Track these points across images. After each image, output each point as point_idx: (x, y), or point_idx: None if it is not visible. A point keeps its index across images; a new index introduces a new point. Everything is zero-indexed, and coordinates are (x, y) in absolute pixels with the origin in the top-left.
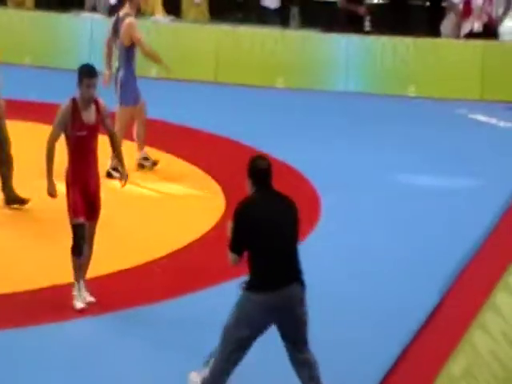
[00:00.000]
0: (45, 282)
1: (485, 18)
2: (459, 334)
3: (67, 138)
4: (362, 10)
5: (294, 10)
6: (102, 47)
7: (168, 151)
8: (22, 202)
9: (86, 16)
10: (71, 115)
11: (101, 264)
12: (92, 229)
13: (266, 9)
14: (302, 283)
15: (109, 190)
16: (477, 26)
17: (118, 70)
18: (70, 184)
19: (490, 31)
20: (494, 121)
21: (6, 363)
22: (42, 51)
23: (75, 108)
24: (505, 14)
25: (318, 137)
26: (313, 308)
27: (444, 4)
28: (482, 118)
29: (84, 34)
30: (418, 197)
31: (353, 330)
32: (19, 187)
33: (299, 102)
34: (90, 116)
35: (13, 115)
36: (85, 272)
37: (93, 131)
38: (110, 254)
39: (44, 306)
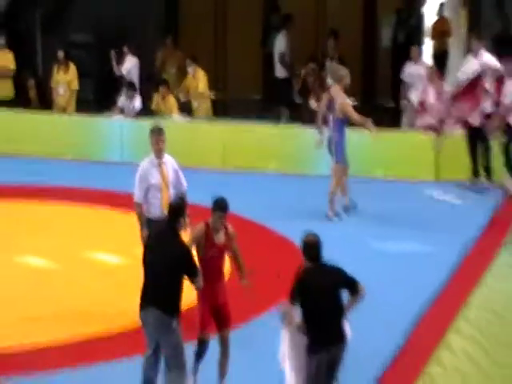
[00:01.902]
0: None
1: (437, 115)
2: (419, 369)
3: (199, 258)
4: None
5: (284, 110)
6: (131, 145)
7: None
8: None
9: (116, 119)
10: (204, 237)
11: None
12: (225, 337)
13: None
14: (166, 311)
15: None
16: (432, 122)
17: (332, 136)
18: (201, 300)
19: (442, 126)
20: (447, 197)
21: None
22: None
23: (208, 231)
24: None
25: (304, 211)
26: None
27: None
28: (436, 194)
29: (115, 134)
30: (386, 258)
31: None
32: None
33: (290, 183)
34: (219, 238)
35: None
36: (222, 376)
37: (221, 251)
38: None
39: None
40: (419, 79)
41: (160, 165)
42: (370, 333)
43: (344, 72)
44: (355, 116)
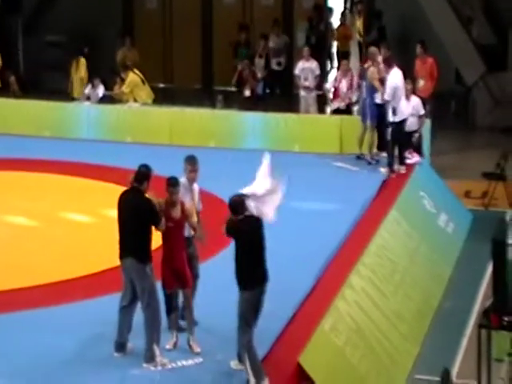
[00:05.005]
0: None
1: (347, 100)
2: (327, 304)
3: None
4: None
5: (220, 97)
6: (95, 125)
7: None
8: None
9: (84, 104)
10: (163, 211)
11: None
12: (186, 294)
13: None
14: (137, 258)
15: None
16: (342, 105)
17: (365, 98)
18: (162, 264)
19: (349, 109)
20: (348, 166)
21: None
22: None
23: (166, 206)
24: (357, 100)
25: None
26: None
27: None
28: (340, 164)
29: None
30: (300, 215)
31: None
32: None
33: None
34: (176, 212)
35: None
36: (189, 324)
37: (177, 224)
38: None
39: None
40: (310, 72)
41: (191, 190)
42: (287, 272)
43: (374, 50)
44: (377, 83)
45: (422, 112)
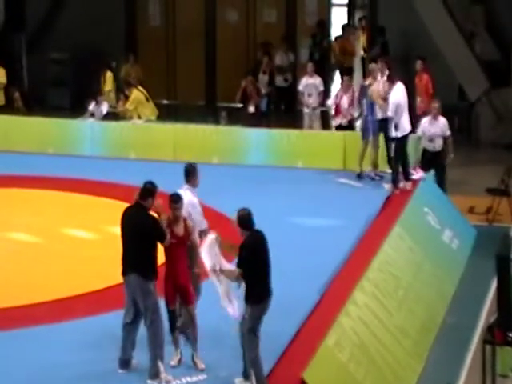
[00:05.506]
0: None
1: (349, 117)
2: (331, 320)
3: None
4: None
5: (224, 113)
6: (100, 142)
7: None
8: None
9: (88, 121)
10: (167, 228)
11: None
12: (188, 310)
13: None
14: (141, 274)
15: None
16: (344, 121)
17: (366, 115)
18: (165, 280)
19: (351, 125)
20: (351, 182)
21: None
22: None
23: (169, 222)
24: (358, 116)
25: (239, 193)
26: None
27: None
28: (344, 180)
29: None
30: (303, 231)
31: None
32: None
33: (228, 172)
34: (179, 229)
35: None
36: (193, 340)
37: (180, 240)
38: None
39: None
40: (314, 88)
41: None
42: (291, 288)
43: (374, 66)
44: (380, 102)
45: (449, 133)
